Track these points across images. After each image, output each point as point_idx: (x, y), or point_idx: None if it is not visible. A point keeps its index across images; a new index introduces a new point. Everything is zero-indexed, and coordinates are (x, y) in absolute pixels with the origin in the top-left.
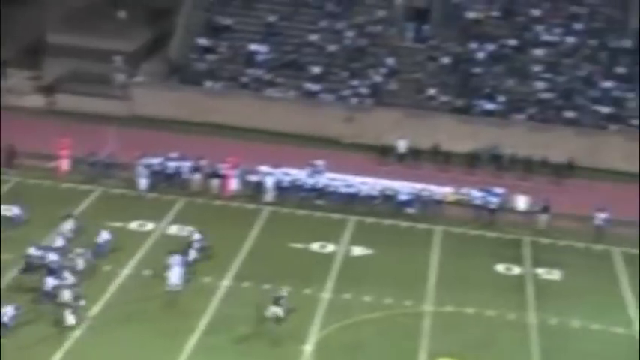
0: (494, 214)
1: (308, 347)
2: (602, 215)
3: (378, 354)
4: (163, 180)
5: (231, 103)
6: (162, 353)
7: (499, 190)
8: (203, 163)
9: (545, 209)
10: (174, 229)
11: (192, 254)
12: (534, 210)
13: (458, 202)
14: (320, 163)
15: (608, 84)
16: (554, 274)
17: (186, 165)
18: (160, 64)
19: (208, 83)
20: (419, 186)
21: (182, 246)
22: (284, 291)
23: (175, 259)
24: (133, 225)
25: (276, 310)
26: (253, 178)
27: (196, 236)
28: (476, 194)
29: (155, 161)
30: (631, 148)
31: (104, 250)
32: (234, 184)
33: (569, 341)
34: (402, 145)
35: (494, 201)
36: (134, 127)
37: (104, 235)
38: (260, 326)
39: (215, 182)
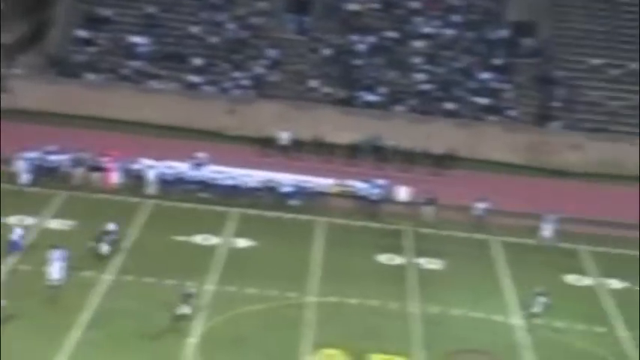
0: (377, 205)
1: (192, 340)
2: (482, 205)
3: (262, 346)
4: (45, 174)
5: (112, 96)
6: (42, 350)
7: (381, 182)
8: (84, 156)
9: (430, 201)
10: (55, 224)
11: (104, 247)
12: (418, 201)
13: (340, 193)
14: (202, 155)
15: (485, 75)
16: (436, 264)
17: (67, 158)
18: (39, 57)
19: (88, 75)
20: (302, 177)
21: (95, 235)
22: (193, 289)
23: (55, 254)
24: (13, 220)
25: (185, 309)
26: (135, 171)
27: (111, 227)
28: (358, 185)
29: (34, 155)
30: (509, 138)
31: (19, 247)
32: (115, 177)
33: (450, 329)
34: (284, 137)
35: (376, 192)
36: (13, 120)
37: (18, 232)
38: (144, 321)
39: (96, 175)
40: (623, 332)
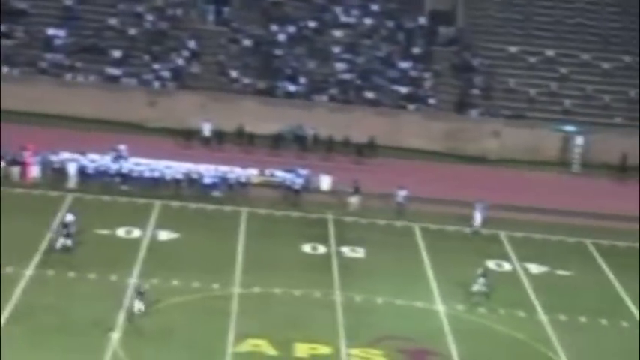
0: (299, 195)
1: (116, 334)
2: (403, 193)
3: (187, 338)
4: None
5: (30, 89)
6: None
7: (303, 171)
8: (3, 150)
9: (356, 191)
10: None
11: (61, 241)
12: (345, 191)
13: (263, 183)
14: (124, 147)
15: (405, 64)
16: (359, 252)
17: None
18: None
19: (5, 69)
20: (224, 168)
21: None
22: (146, 285)
23: None
24: None
25: (139, 305)
26: (55, 165)
27: (69, 218)
28: (281, 175)
29: None
30: (428, 126)
31: None
32: (35, 172)
33: (374, 317)
34: (206, 128)
35: (298, 181)
36: None
37: None
38: (66, 316)
39: (15, 170)
40: (542, 316)
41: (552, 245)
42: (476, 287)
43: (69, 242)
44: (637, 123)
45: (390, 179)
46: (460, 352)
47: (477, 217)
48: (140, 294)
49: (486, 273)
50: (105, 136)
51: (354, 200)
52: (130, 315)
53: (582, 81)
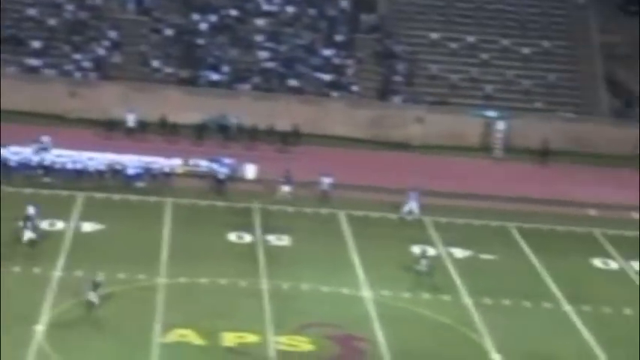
0: (224, 184)
1: (40, 327)
2: (327, 180)
3: (113, 330)
4: None
5: None
6: None
7: (227, 160)
8: None
9: (287, 180)
10: None
11: (28, 234)
12: (278, 180)
13: (187, 173)
14: (45, 139)
15: (328, 52)
16: (284, 240)
17: None
18: None
19: None
20: (148, 159)
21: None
22: (101, 277)
23: None
24: None
25: (92, 297)
26: None
27: (30, 211)
28: (205, 164)
29: None
30: (352, 113)
31: None
32: None
33: (301, 304)
34: (130, 119)
35: (223, 171)
36: None
37: None
38: None
39: None
40: (467, 299)
41: (476, 230)
42: (418, 268)
43: (33, 235)
44: (557, 107)
45: (314, 167)
46: (386, 337)
47: (412, 205)
48: (96, 286)
49: (426, 254)
50: (26, 128)
51: (285, 189)
52: (90, 306)
53: (503, 66)
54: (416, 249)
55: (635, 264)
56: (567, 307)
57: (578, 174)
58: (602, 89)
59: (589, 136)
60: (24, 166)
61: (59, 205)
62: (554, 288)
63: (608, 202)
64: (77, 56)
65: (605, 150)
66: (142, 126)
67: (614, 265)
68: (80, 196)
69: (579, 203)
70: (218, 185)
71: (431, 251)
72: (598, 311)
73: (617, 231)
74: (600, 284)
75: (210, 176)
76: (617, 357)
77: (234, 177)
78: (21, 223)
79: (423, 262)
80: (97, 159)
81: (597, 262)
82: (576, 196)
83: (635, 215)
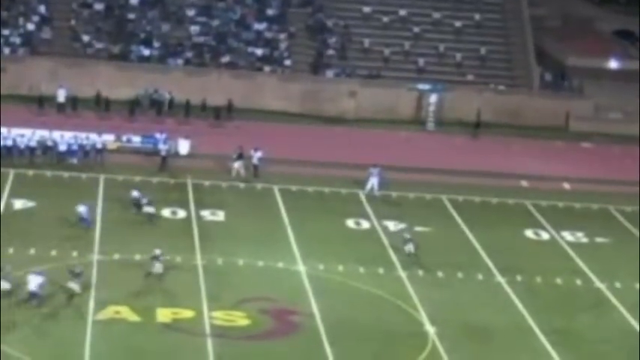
0: (166, 160)
1: None
2: (258, 154)
3: (48, 307)
4: None
5: None
6: None
7: (160, 135)
8: None
9: (240, 156)
10: None
11: None
12: (231, 156)
13: (120, 149)
14: None
15: (260, 26)
16: (219, 216)
17: None
18: None
19: None
20: (80, 135)
21: None
22: (80, 267)
23: None
24: None
25: (73, 285)
26: None
27: None
28: (138, 140)
29: None
30: (286, 88)
31: None
32: None
33: (236, 279)
34: (61, 94)
35: (164, 147)
36: None
37: None
38: None
39: None
40: (401, 272)
41: (410, 202)
42: (407, 249)
43: None
44: (488, 80)
45: (248, 141)
46: (322, 310)
47: (374, 182)
48: (75, 275)
49: (411, 237)
50: None
51: (237, 165)
52: (70, 296)
53: (435, 39)
54: (350, 222)
55: (566, 234)
56: (500, 278)
57: (510, 146)
58: (533, 62)
59: (520, 108)
60: None
61: None
62: (487, 259)
63: (539, 173)
64: (5, 32)
65: (537, 122)
66: (74, 102)
67: (545, 235)
68: (11, 173)
69: (511, 175)
70: (157, 161)
71: (365, 224)
72: (530, 281)
73: (548, 202)
74: (532, 255)
75: (144, 151)
76: (549, 325)
77: (168, 152)
78: None
79: (410, 245)
80: (27, 135)
81: (529, 233)
82: (508, 168)
83: (566, 186)
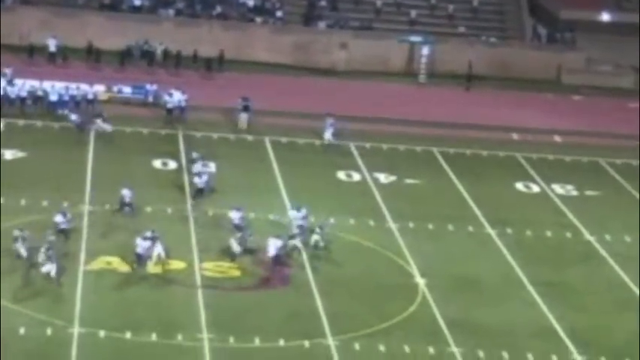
0: (172, 113)
1: None
2: (243, 103)
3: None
4: None
5: None
6: None
7: (150, 86)
8: None
9: (245, 108)
10: None
11: None
12: (236, 108)
13: (111, 99)
14: (9, 70)
15: None
16: (210, 167)
17: None
18: None
19: None
20: (71, 85)
21: None
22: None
23: None
24: None
25: (48, 267)
26: None
27: None
28: (128, 91)
29: None
30: (277, 39)
31: None
32: None
33: (227, 231)
34: (51, 44)
35: (171, 100)
36: None
37: None
38: None
39: None
40: (392, 224)
41: (400, 155)
42: (313, 239)
43: None
44: (481, 32)
45: (239, 93)
46: (311, 262)
47: (328, 131)
48: (48, 256)
49: (323, 225)
50: None
51: (243, 117)
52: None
53: None
54: (341, 174)
55: (556, 187)
56: (490, 230)
57: (501, 98)
58: (526, 14)
59: (512, 60)
60: None
61: None
62: (477, 211)
63: (530, 126)
64: None
65: (528, 74)
66: (64, 52)
67: (536, 188)
68: (1, 123)
69: (503, 128)
70: (166, 115)
71: (356, 176)
72: (520, 234)
73: (539, 155)
74: (522, 207)
75: (135, 102)
76: (538, 277)
77: (158, 103)
78: None
79: (316, 234)
80: (18, 85)
81: (520, 186)
82: (500, 121)
83: (557, 139)
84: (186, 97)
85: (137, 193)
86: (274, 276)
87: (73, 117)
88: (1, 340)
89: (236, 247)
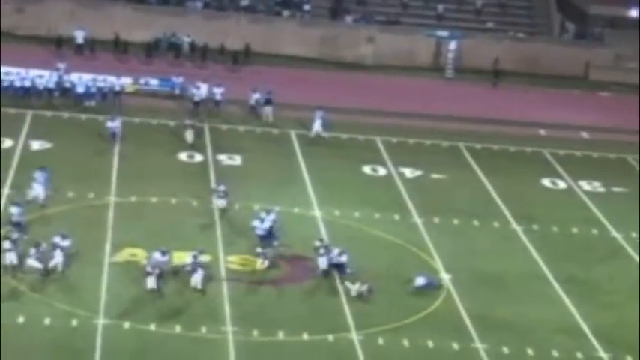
0: (198, 106)
1: None
2: (256, 95)
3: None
4: None
5: None
6: None
7: (177, 79)
8: None
9: (268, 101)
10: None
11: None
12: (259, 101)
13: (137, 91)
14: (63, 65)
15: None
16: (235, 160)
17: None
18: None
19: None
20: (97, 77)
21: None
22: (44, 245)
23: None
24: None
25: (35, 263)
26: None
27: None
28: (155, 83)
29: None
30: (304, 33)
31: None
32: None
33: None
34: (79, 36)
35: (199, 93)
36: None
37: None
38: None
39: None
40: (417, 219)
41: (426, 150)
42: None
43: None
44: (508, 27)
45: (266, 87)
46: (336, 257)
47: (318, 123)
48: (41, 254)
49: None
50: None
51: (267, 110)
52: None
53: None
54: (366, 169)
55: (582, 183)
56: (516, 227)
57: (528, 94)
58: (554, 9)
59: (540, 56)
60: None
61: (7, 123)
62: (503, 207)
63: (557, 122)
64: None
65: (556, 71)
66: (92, 44)
67: (562, 184)
68: (29, 114)
69: (530, 123)
70: (194, 107)
71: (381, 171)
72: (546, 230)
73: (566, 151)
74: (549, 204)
75: (161, 94)
76: (564, 274)
77: (185, 96)
78: None
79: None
80: (45, 77)
81: (546, 182)
82: (526, 117)
83: (584, 135)
84: (222, 90)
85: (162, 186)
86: (298, 270)
87: (110, 124)
88: (27, 330)
89: (264, 263)
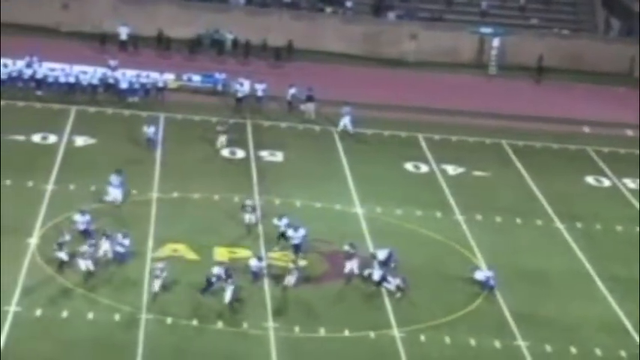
0: (241, 103)
1: (33, 240)
2: (292, 90)
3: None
4: None
5: None
6: None
7: (219, 75)
8: None
9: (309, 98)
10: None
11: None
12: (300, 98)
13: (180, 88)
14: (114, 62)
15: None
16: (277, 156)
17: None
18: None
19: None
20: (141, 73)
21: None
22: (67, 236)
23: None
24: None
25: (62, 255)
26: None
27: None
28: (198, 79)
29: None
30: (346, 29)
31: None
32: None
33: (293, 221)
34: (122, 32)
35: (242, 89)
36: None
37: None
38: None
39: None
40: (459, 216)
41: (469, 146)
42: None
43: None
44: (552, 24)
45: (308, 83)
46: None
47: (346, 121)
48: (60, 245)
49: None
50: (19, 41)
51: (309, 107)
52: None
53: None
54: (409, 165)
55: (627, 181)
56: (559, 224)
57: (572, 91)
58: (599, 6)
59: (584, 53)
60: (15, 79)
61: (52, 118)
62: (546, 205)
63: (602, 119)
64: None
65: (600, 67)
66: (135, 40)
67: (607, 182)
68: (73, 110)
69: (573, 121)
70: (237, 104)
71: (423, 168)
72: (590, 228)
73: (610, 148)
74: (592, 201)
75: (203, 90)
76: (607, 272)
77: (227, 92)
78: None
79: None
80: (89, 73)
81: (590, 180)
82: (571, 114)
83: (629, 133)
84: (264, 87)
85: (204, 182)
86: (339, 267)
87: (146, 129)
88: (70, 325)
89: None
